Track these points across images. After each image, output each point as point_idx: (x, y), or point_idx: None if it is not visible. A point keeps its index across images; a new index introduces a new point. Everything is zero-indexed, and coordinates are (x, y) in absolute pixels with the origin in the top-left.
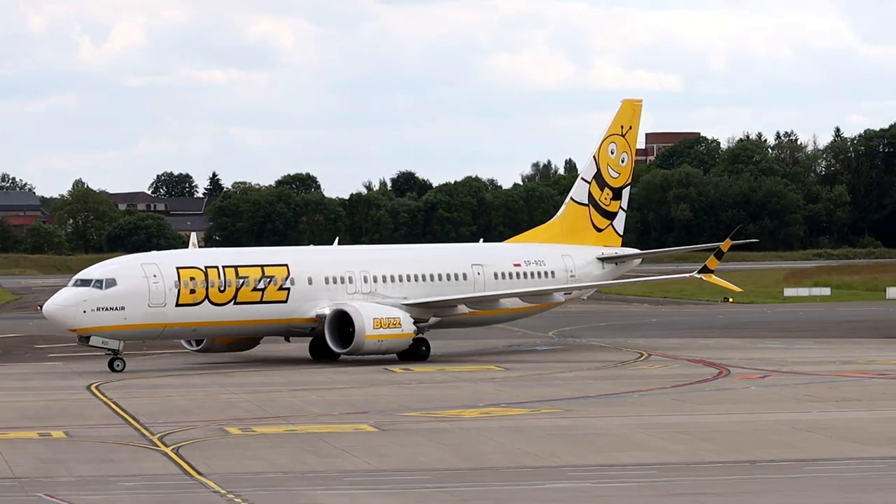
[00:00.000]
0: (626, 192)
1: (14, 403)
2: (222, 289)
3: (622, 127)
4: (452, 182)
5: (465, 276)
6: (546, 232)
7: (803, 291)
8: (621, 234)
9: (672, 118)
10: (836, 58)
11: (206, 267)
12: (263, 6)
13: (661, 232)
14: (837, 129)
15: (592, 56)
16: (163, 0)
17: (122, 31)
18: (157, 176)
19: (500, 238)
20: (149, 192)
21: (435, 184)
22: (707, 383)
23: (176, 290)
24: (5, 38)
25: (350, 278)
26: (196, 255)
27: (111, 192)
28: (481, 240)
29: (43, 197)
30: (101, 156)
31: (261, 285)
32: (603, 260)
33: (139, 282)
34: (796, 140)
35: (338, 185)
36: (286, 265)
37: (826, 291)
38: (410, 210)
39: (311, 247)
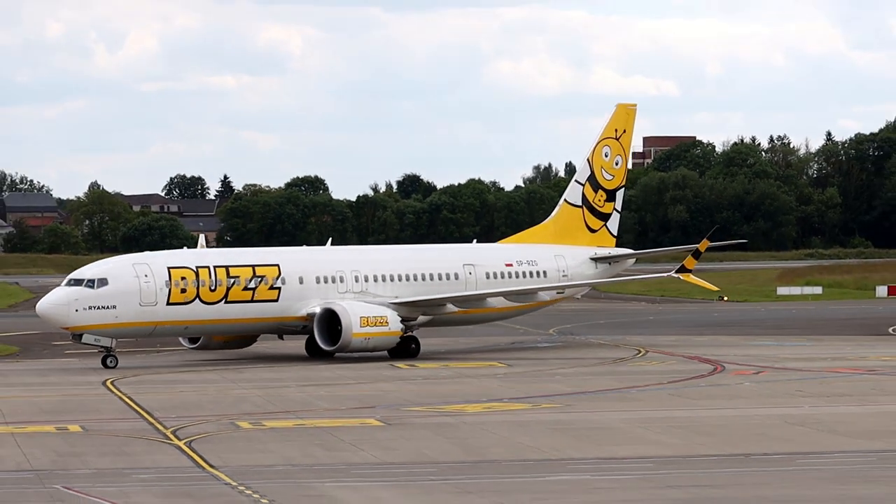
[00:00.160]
0: (620, 194)
1: (32, 398)
2: (213, 288)
3: (616, 130)
4: (456, 184)
5: (456, 275)
6: (539, 233)
7: (796, 290)
8: (615, 234)
9: (669, 122)
10: (828, 64)
11: (197, 267)
12: (273, 14)
13: (659, 233)
14: (829, 133)
15: (591, 62)
16: (175, 8)
17: (136, 38)
18: (171, 178)
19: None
20: (162, 194)
21: (439, 186)
22: (702, 379)
23: (167, 290)
24: (24, 46)
25: (341, 278)
26: (188, 256)
27: (126, 193)
28: (475, 240)
29: (60, 199)
30: (116, 159)
31: (252, 285)
32: (596, 260)
33: (130, 281)
34: (789, 143)
35: (345, 187)
36: (277, 265)
37: (818, 290)
38: (416, 211)
39: (304, 247)
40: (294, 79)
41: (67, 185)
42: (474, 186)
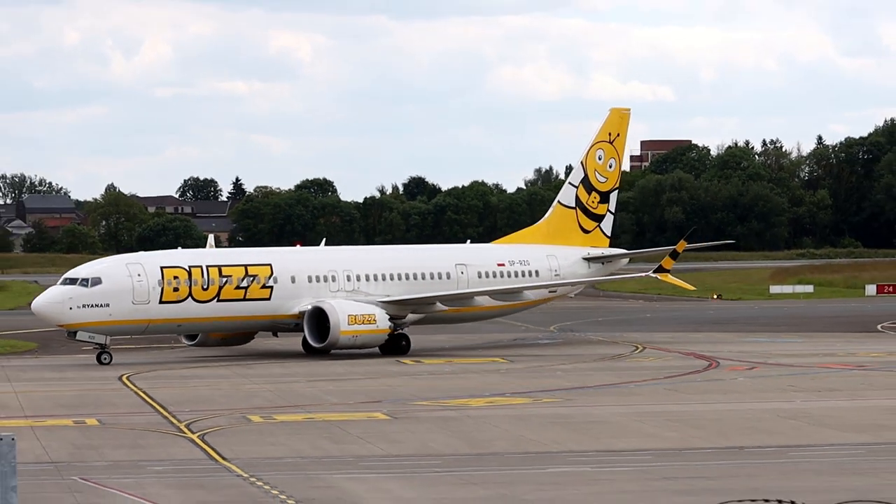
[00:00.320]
0: (614, 196)
1: (50, 393)
2: (205, 287)
3: (610, 134)
4: (460, 186)
5: (448, 275)
6: (533, 233)
7: (788, 289)
8: (609, 235)
9: (665, 127)
10: (819, 70)
11: (189, 267)
12: (283, 22)
13: (655, 233)
14: (820, 137)
15: (590, 69)
16: (189, 16)
17: (151, 45)
18: (184, 180)
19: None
20: (176, 196)
21: (444, 188)
22: (698, 374)
23: (159, 288)
24: (43, 52)
25: (333, 277)
26: (182, 256)
27: (141, 195)
28: (468, 241)
29: (77, 200)
30: (132, 162)
31: (244, 284)
32: (589, 260)
33: (123, 280)
34: (781, 147)
35: (353, 189)
36: (269, 265)
37: (809, 289)
38: (421, 212)
39: (297, 247)
40: (303, 84)
41: (85, 187)
42: (477, 188)
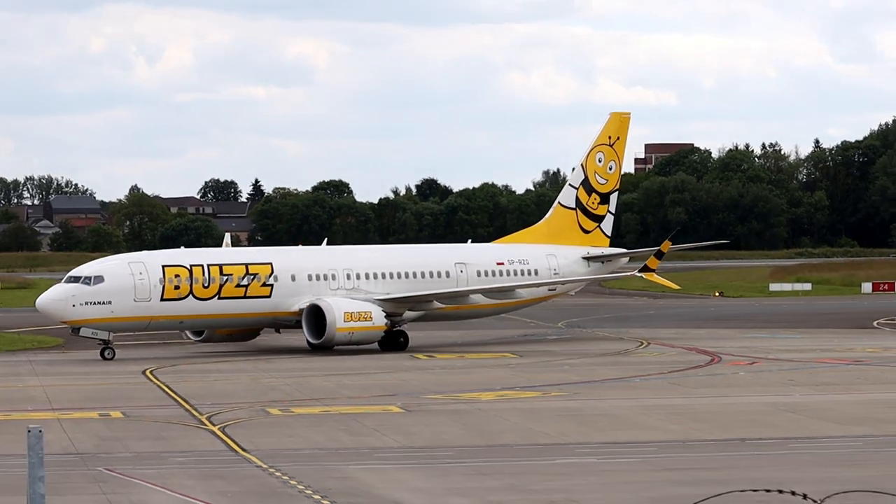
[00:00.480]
0: (614, 197)
1: (77, 386)
2: (206, 285)
3: (610, 137)
4: (471, 188)
5: (447, 273)
6: (533, 233)
7: (787, 287)
8: (609, 235)
9: (668, 130)
10: (816, 76)
11: (191, 265)
12: (300, 29)
13: (659, 233)
14: (817, 141)
15: (596, 74)
16: (210, 24)
17: (173, 52)
18: (205, 182)
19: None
20: (197, 197)
21: (455, 189)
22: (700, 369)
23: (161, 286)
24: (69, 59)
25: (333, 275)
26: (184, 255)
27: (164, 196)
28: (469, 240)
29: (102, 201)
30: (155, 164)
31: (244, 282)
32: (588, 259)
33: (125, 278)
34: (780, 150)
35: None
36: (270, 263)
37: (807, 286)
38: (433, 213)
39: (299, 247)
40: (320, 89)
41: (110, 189)
42: (488, 190)
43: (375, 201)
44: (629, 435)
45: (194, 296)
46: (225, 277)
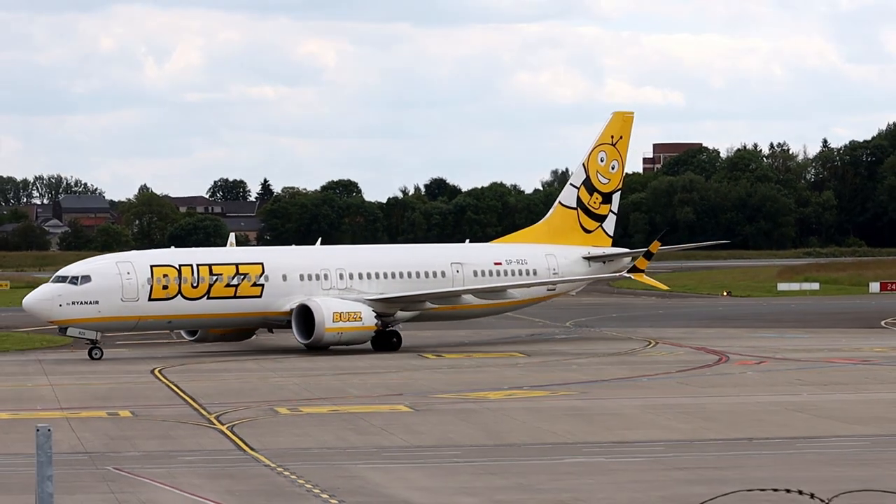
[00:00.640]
0: (616, 197)
1: (85, 386)
2: (195, 285)
3: (612, 137)
4: (480, 187)
5: (443, 273)
6: (533, 233)
7: (795, 286)
8: (611, 234)
9: (677, 130)
10: (824, 76)
11: (179, 265)
12: (309, 29)
13: (667, 233)
14: (825, 141)
15: (604, 75)
16: (218, 24)
17: (182, 52)
18: (214, 181)
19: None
20: (206, 196)
21: (464, 189)
22: (708, 368)
23: (148, 286)
24: (79, 59)
25: (325, 275)
26: (173, 255)
27: (173, 195)
28: (467, 240)
29: (112, 200)
30: (164, 163)
31: (234, 282)
32: (589, 259)
33: (113, 278)
34: (788, 150)
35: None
36: (261, 263)
37: (815, 286)
38: (442, 212)
39: (291, 247)
40: (329, 89)
41: (119, 188)
42: (496, 189)
43: (384, 201)
44: (637, 434)
45: (183, 296)
46: (214, 277)
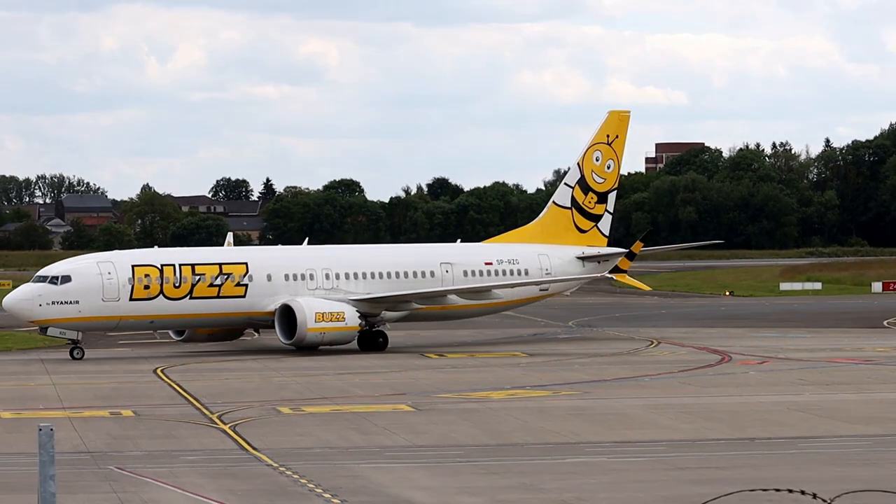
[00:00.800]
0: (612, 197)
1: (88, 385)
2: (177, 285)
3: (608, 136)
4: (482, 187)
5: (432, 273)
6: (525, 233)
7: (797, 286)
8: (607, 234)
9: (679, 130)
10: (826, 76)
11: (161, 265)
12: (311, 29)
13: (670, 232)
14: (827, 140)
15: (607, 74)
16: (221, 23)
17: (184, 51)
18: (217, 181)
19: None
20: (209, 196)
21: (466, 188)
22: (711, 368)
23: (129, 286)
24: (81, 58)
25: (311, 275)
26: (155, 255)
27: (175, 195)
28: (458, 240)
29: (114, 199)
30: (167, 162)
31: (217, 282)
32: (584, 259)
33: (93, 278)
34: (790, 150)
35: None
36: (245, 263)
37: (818, 286)
38: (444, 212)
39: (277, 246)
40: (331, 89)
41: (121, 187)
42: (499, 189)
43: (387, 200)
44: (640, 434)
45: (165, 295)
46: (197, 277)
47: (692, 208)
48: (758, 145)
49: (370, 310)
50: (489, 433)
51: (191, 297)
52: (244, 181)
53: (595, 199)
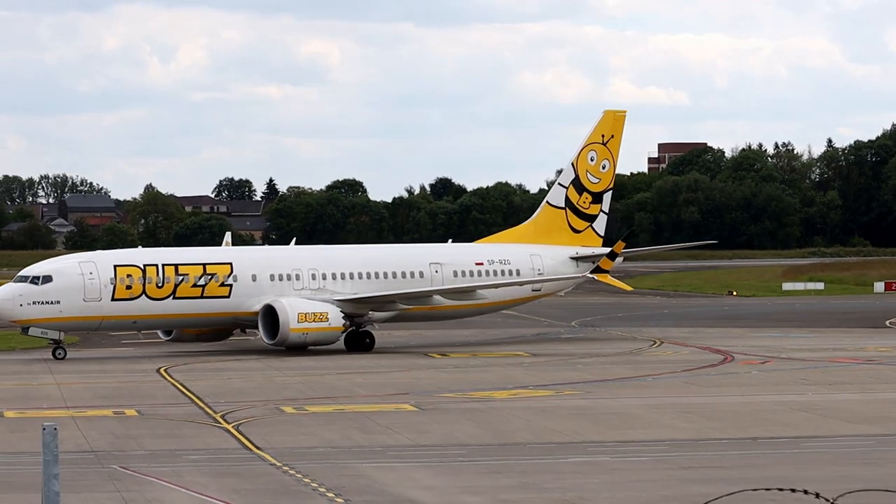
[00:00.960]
0: (607, 197)
1: (91, 385)
2: (160, 285)
3: (603, 136)
4: (485, 187)
5: (421, 273)
6: (518, 233)
7: (799, 286)
8: (602, 235)
9: (681, 130)
10: (828, 76)
11: (144, 265)
12: (313, 29)
13: (672, 232)
14: (830, 140)
15: (608, 74)
16: (223, 23)
17: (186, 51)
18: (220, 181)
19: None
20: (212, 196)
21: (469, 188)
22: (713, 368)
23: (111, 286)
24: (84, 58)
25: (297, 275)
26: (137, 255)
27: (178, 195)
28: (450, 240)
29: (117, 199)
30: (170, 162)
31: (201, 282)
32: (577, 259)
33: (75, 278)
34: (793, 150)
35: (382, 190)
36: (230, 263)
37: (820, 286)
38: (447, 212)
39: (263, 247)
40: (334, 89)
41: (124, 187)
42: (501, 189)
43: (389, 200)
44: (642, 434)
45: (147, 296)
46: (180, 277)
47: (695, 208)
48: (760, 145)
49: (355, 310)
50: (492, 433)
51: (174, 298)
52: (247, 181)
53: (590, 199)
